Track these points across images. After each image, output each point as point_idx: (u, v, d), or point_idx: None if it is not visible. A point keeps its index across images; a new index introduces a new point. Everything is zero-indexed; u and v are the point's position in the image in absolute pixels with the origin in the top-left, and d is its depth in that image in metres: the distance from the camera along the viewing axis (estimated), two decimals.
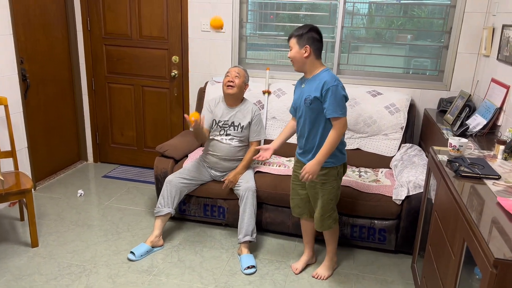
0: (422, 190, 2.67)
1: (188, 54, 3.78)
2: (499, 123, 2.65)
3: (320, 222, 2.45)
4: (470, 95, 2.87)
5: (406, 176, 2.77)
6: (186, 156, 3.25)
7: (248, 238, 2.72)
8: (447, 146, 2.27)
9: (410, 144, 3.22)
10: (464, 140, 2.23)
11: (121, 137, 4.20)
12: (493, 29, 2.96)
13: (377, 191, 2.77)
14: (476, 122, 2.70)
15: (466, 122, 2.72)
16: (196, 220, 3.15)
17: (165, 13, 3.73)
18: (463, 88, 3.31)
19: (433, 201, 2.24)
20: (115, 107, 4.12)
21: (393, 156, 3.20)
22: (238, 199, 2.90)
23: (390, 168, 3.15)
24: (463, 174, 1.93)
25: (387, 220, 2.76)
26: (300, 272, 2.64)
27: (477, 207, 1.63)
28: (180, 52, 3.81)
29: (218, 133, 2.93)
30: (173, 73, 3.85)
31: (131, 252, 2.71)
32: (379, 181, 2.93)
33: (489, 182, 1.88)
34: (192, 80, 3.84)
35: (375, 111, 3.23)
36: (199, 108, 3.66)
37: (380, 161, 3.21)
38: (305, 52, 2.24)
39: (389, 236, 2.79)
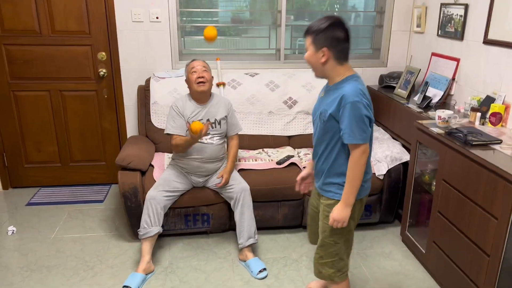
0: (398, 163, 2.86)
1: (117, 49, 3.30)
2: (452, 93, 2.97)
3: (316, 265, 1.93)
4: (420, 69, 3.15)
5: (381, 151, 2.92)
6: (151, 165, 2.88)
7: (252, 240, 2.57)
8: (413, 120, 2.46)
9: None
10: (449, 112, 2.44)
11: (38, 155, 3.50)
12: (426, 8, 3.27)
13: None
14: (433, 93, 2.98)
15: (427, 94, 2.98)
16: (176, 234, 2.84)
17: (84, 2, 3.17)
18: (398, 63, 3.61)
19: (417, 170, 2.41)
20: (27, 119, 3.40)
21: None
22: (227, 202, 2.71)
23: None
24: (473, 143, 2.12)
25: (371, 196, 2.89)
26: None
27: None
28: (108, 48, 3.31)
29: None
30: (101, 72, 3.33)
31: (126, 287, 2.31)
32: None
33: (496, 147, 2.10)
34: (125, 79, 3.38)
35: None
36: (142, 108, 3.26)
37: None
38: (323, 56, 1.69)
39: (374, 210, 2.93)
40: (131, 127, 3.51)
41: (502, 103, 2.44)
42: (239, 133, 2.79)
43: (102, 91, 3.40)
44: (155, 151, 3.11)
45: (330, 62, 1.71)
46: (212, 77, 2.69)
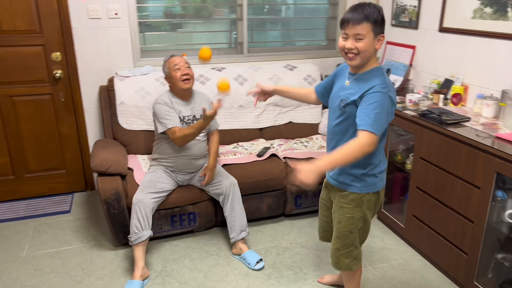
0: None
1: (73, 48, 3.09)
2: (409, 78, 3.21)
3: (334, 256, 1.96)
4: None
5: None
6: (129, 168, 2.76)
7: (244, 234, 2.59)
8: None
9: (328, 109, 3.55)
10: (418, 95, 2.66)
11: None
12: (378, 0, 3.49)
13: None
14: (393, 79, 3.20)
15: None
16: (161, 237, 2.76)
17: None
18: None
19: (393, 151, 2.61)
20: None
21: (319, 123, 3.48)
22: (212, 199, 2.70)
23: (321, 134, 3.43)
24: (448, 122, 2.34)
25: None
26: (325, 284, 2.38)
27: (493, 145, 2.03)
28: (63, 47, 3.08)
29: None
30: (56, 74, 3.10)
31: None
32: (324, 146, 3.17)
33: (467, 124, 2.34)
34: (84, 79, 3.18)
35: (297, 83, 3.40)
36: (106, 110, 3.10)
37: (311, 129, 3.44)
38: (378, 43, 1.65)
39: None
40: (93, 131, 3.32)
41: (461, 85, 2.71)
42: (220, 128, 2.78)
43: (59, 94, 3.17)
44: (127, 154, 2.98)
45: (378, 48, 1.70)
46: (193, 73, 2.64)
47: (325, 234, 2.13)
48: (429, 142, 2.41)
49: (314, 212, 3.07)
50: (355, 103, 1.68)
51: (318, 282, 2.39)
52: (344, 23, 1.65)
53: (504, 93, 2.35)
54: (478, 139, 2.10)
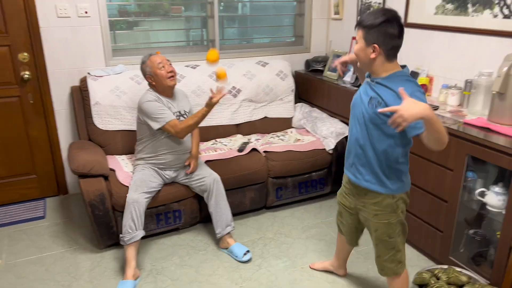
0: (342, 137, 3.18)
1: (42, 48, 2.99)
2: None
3: (378, 264, 1.97)
4: (347, 53, 3.50)
5: (325, 128, 3.22)
6: (111, 169, 2.71)
7: (229, 228, 2.64)
8: (351, 97, 2.80)
9: (300, 104, 3.68)
10: None
11: None
12: None
13: (311, 148, 3.12)
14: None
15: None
16: (146, 236, 2.73)
17: None
18: (319, 49, 3.95)
19: None
20: None
21: (292, 117, 3.58)
22: (197, 195, 2.73)
23: (295, 127, 3.54)
24: None
25: (323, 170, 3.18)
26: (316, 269, 2.46)
27: (463, 130, 2.22)
28: (30, 48, 2.97)
29: None
30: (24, 76, 2.98)
31: None
32: (299, 139, 3.28)
33: (436, 112, 2.52)
34: (54, 80, 3.08)
35: (270, 79, 3.49)
36: (80, 111, 3.03)
37: (284, 124, 3.55)
38: (373, 52, 1.63)
39: (326, 183, 3.22)
40: (64, 133, 3.22)
41: (426, 76, 2.91)
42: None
43: (27, 96, 3.05)
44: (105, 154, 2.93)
45: (380, 59, 1.65)
46: None
47: (352, 237, 2.16)
48: None
49: (294, 203, 3.19)
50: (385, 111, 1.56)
51: (310, 267, 2.49)
52: None
53: (467, 82, 2.56)
54: (448, 125, 2.28)
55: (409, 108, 1.42)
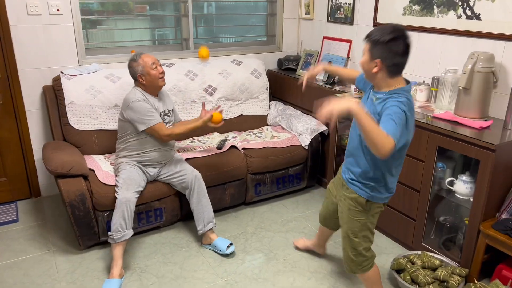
0: (317, 133, 3.29)
1: (12, 47, 2.90)
2: None
3: (345, 259, 2.03)
4: (319, 52, 3.62)
5: (301, 125, 3.32)
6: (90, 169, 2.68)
7: (211, 225, 2.67)
8: (324, 95, 2.94)
9: (274, 102, 3.76)
10: None
11: None
12: None
13: (288, 144, 3.20)
14: None
15: None
16: None
17: None
18: (291, 48, 4.05)
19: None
20: None
21: (267, 115, 3.66)
22: (178, 193, 2.75)
23: (270, 125, 3.61)
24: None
25: (299, 165, 3.27)
26: (297, 247, 2.65)
27: (432, 123, 2.37)
28: None
29: None
30: None
31: None
32: (275, 136, 3.36)
33: None
34: (24, 80, 3.00)
35: (245, 78, 3.55)
36: (53, 111, 2.97)
37: (260, 121, 3.62)
38: (375, 66, 1.69)
39: (302, 178, 3.32)
40: (36, 134, 3.14)
41: None
42: None
43: None
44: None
45: (381, 74, 1.70)
46: None
47: (324, 221, 2.34)
48: None
49: (272, 198, 3.27)
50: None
51: (293, 243, 2.66)
52: None
53: (434, 79, 2.73)
54: (420, 119, 2.43)
55: (338, 101, 1.53)
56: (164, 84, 2.59)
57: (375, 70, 1.70)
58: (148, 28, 3.56)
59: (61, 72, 3.00)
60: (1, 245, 2.68)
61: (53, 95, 2.98)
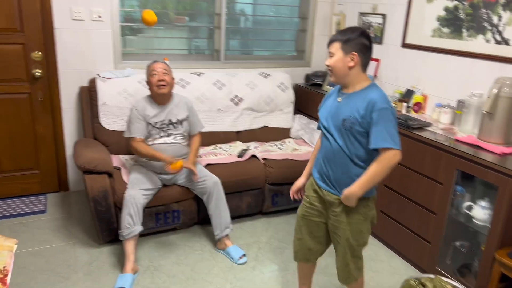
0: None
1: (55, 48, 3.10)
2: None
3: (343, 273, 1.98)
4: None
5: None
6: (115, 167, 2.81)
7: (228, 230, 2.73)
8: None
9: (298, 115, 3.81)
10: None
11: None
12: (344, 16, 3.80)
13: (308, 157, 3.22)
14: None
15: None
16: (145, 234, 2.82)
17: None
18: (320, 64, 4.10)
19: None
20: None
21: (290, 128, 3.70)
22: (196, 197, 2.82)
23: (293, 138, 3.66)
24: (414, 126, 2.64)
25: None
26: None
27: (454, 146, 2.35)
28: (43, 47, 3.09)
29: (158, 136, 2.70)
30: (36, 73, 3.09)
31: None
32: (296, 149, 3.39)
33: (429, 129, 2.65)
34: (64, 80, 3.19)
35: (271, 90, 3.62)
36: (87, 110, 3.13)
37: (283, 133, 3.67)
38: (351, 60, 1.74)
39: None
40: (70, 131, 3.32)
41: (421, 95, 3.05)
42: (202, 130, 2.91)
43: (37, 93, 3.15)
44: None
45: (356, 68, 1.76)
46: (173, 78, 2.75)
47: (309, 255, 2.09)
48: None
49: (289, 210, 3.28)
50: (359, 122, 1.73)
51: None
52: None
53: (459, 102, 2.70)
54: (440, 141, 2.41)
55: (347, 200, 1.80)
56: (163, 92, 2.63)
57: (351, 64, 1.75)
58: (185, 38, 3.71)
59: (97, 75, 3.17)
60: (28, 233, 2.84)
61: (88, 96, 3.15)
